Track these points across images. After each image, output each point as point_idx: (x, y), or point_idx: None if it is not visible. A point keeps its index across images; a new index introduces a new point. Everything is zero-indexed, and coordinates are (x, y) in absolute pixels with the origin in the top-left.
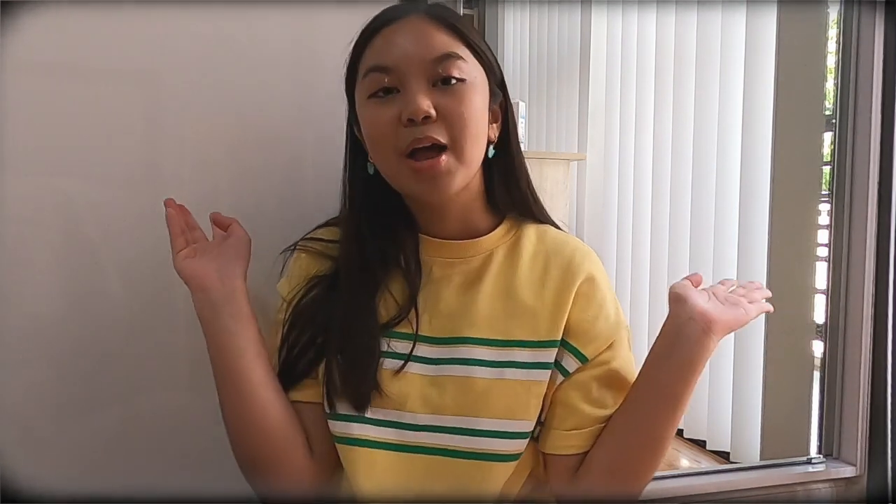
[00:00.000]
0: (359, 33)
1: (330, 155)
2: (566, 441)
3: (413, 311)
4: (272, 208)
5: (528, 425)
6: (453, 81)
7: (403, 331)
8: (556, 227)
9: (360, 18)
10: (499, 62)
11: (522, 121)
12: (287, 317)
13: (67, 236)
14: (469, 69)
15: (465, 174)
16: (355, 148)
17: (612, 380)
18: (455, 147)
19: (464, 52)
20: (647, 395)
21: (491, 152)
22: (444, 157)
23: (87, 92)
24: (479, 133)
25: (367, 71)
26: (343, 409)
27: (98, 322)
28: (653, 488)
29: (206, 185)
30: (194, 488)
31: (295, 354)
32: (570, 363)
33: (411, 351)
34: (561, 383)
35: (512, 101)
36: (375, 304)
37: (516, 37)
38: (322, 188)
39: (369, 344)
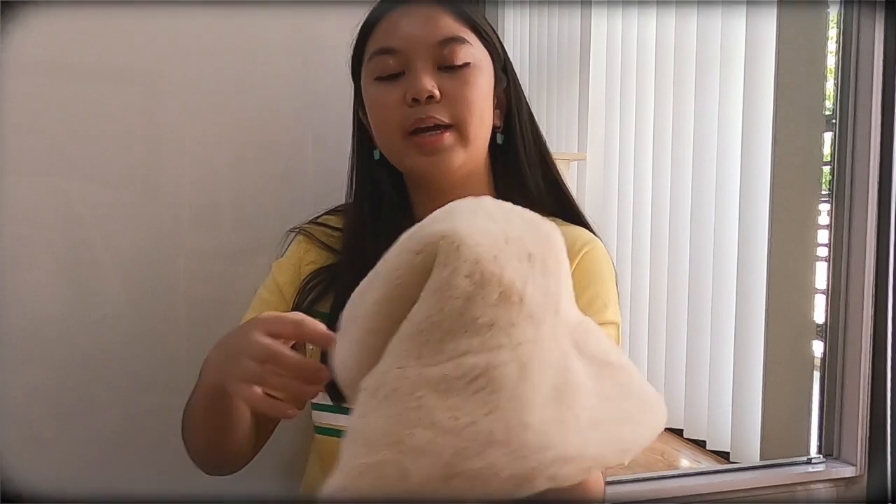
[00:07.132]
0: (365, 17)
1: (330, 154)
2: None
3: None
4: (272, 208)
5: None
6: (459, 64)
7: None
8: (587, 226)
9: (360, 18)
10: (504, 46)
11: None
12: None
13: (67, 236)
14: (475, 53)
15: (467, 154)
16: (362, 134)
17: None
18: (458, 127)
19: (470, 36)
20: None
21: (500, 139)
22: (446, 133)
23: (87, 92)
24: (484, 115)
25: (374, 54)
26: (333, 399)
27: (98, 322)
28: (653, 488)
29: (206, 185)
30: (194, 488)
31: None
32: None
33: None
34: None
35: None
36: None
37: (516, 37)
38: (322, 188)
39: None
